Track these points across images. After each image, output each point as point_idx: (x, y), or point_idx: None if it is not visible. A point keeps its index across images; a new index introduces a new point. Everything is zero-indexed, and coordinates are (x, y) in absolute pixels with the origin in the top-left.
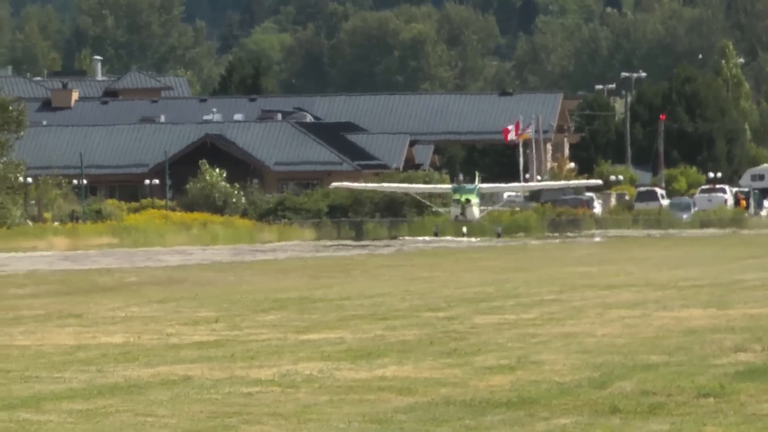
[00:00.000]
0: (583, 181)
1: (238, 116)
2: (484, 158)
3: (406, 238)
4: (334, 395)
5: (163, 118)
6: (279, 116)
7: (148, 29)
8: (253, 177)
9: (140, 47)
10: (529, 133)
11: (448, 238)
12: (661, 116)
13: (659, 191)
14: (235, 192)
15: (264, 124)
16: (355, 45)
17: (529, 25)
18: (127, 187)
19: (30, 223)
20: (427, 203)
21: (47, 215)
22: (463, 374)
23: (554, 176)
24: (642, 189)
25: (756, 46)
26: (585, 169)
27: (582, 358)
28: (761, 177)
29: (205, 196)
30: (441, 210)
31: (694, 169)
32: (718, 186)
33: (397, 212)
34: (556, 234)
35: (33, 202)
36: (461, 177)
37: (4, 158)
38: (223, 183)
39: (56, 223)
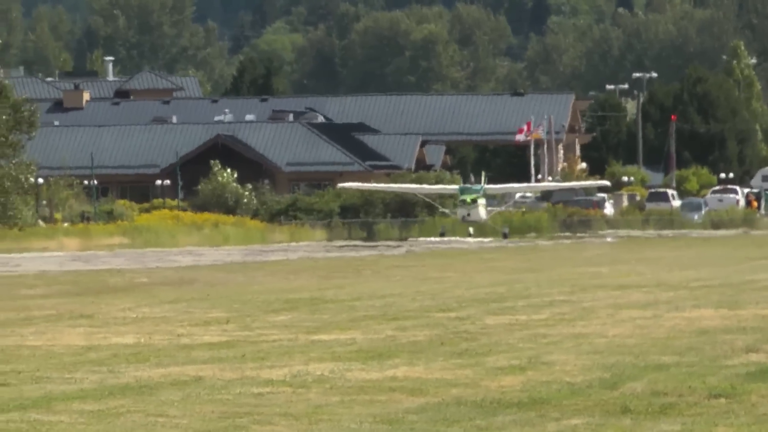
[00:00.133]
0: (589, 182)
1: (249, 117)
2: (496, 159)
3: (419, 239)
4: (345, 396)
5: (174, 119)
6: (290, 117)
7: (160, 30)
8: (264, 177)
9: (151, 48)
10: (540, 133)
11: (454, 238)
12: (672, 117)
13: (671, 192)
14: (247, 193)
15: (275, 124)
16: (366, 45)
17: (540, 25)
18: (138, 188)
19: (41, 223)
20: (434, 204)
21: (58, 216)
22: (474, 375)
23: (565, 177)
24: (653, 190)
25: None
26: (596, 169)
27: (593, 359)
28: None
29: (217, 197)
30: (447, 211)
31: (706, 169)
32: (729, 186)
33: (408, 213)
34: (567, 234)
35: (44, 202)
36: (472, 178)
37: (16, 159)
38: (235, 184)
39: (66, 224)
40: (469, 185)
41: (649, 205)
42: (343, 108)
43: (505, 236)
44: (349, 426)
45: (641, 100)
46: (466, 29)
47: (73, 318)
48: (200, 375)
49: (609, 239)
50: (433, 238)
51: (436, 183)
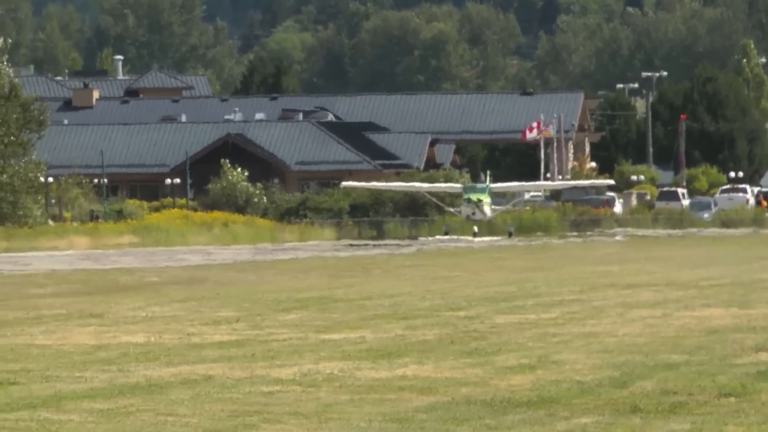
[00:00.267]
0: (594, 181)
1: (259, 116)
2: (505, 158)
3: (428, 238)
4: (354, 394)
5: (184, 118)
6: (300, 116)
7: (170, 29)
8: (274, 176)
9: (161, 47)
10: (550, 131)
11: (456, 237)
12: (682, 116)
13: (680, 191)
14: (257, 192)
15: (285, 123)
16: (376, 44)
17: (550, 24)
18: (148, 187)
19: (51, 222)
20: (438, 203)
21: (67, 214)
22: (484, 374)
23: (575, 176)
24: (663, 189)
25: None
26: (606, 168)
27: (603, 358)
28: None
29: (227, 196)
30: (452, 209)
31: (715, 168)
32: (739, 186)
33: (418, 212)
34: (576, 233)
35: (54, 201)
36: (482, 177)
37: (26, 158)
38: (245, 183)
39: (76, 223)
40: (473, 184)
41: (659, 204)
42: (353, 107)
43: (510, 235)
44: (359, 425)
45: (651, 99)
46: (475, 28)
47: (82, 317)
48: (210, 374)
49: (618, 238)
50: (438, 237)
51: (446, 182)
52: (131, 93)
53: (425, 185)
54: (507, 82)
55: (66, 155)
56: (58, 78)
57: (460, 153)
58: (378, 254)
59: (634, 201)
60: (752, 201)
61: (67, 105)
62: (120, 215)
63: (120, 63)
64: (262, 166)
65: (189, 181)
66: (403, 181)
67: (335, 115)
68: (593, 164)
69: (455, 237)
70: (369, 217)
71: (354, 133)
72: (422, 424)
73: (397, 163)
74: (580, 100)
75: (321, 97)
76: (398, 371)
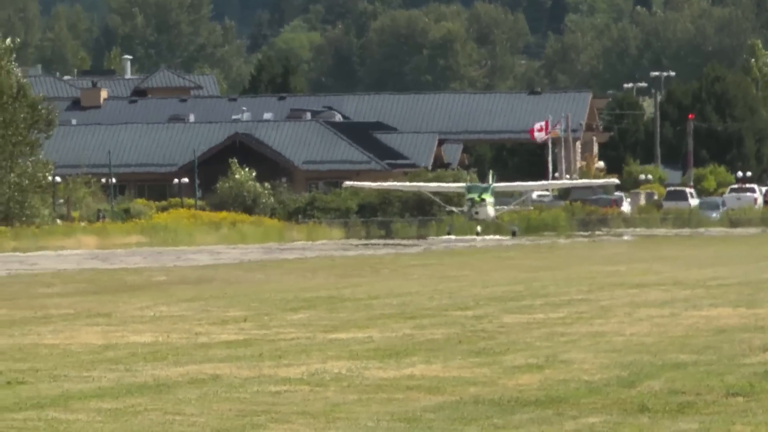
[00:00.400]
0: (598, 180)
1: (267, 115)
2: (513, 157)
3: (436, 237)
4: (362, 394)
5: (192, 117)
6: (308, 115)
7: (178, 28)
8: (281, 176)
9: (169, 46)
10: (558, 131)
11: (460, 237)
12: (690, 115)
13: (689, 190)
14: (265, 191)
15: (293, 123)
16: (384, 44)
17: (558, 24)
18: (155, 187)
19: (59, 222)
20: (440, 202)
21: (75, 214)
22: (492, 373)
23: (583, 175)
24: (671, 188)
25: None
26: (614, 168)
27: (611, 357)
28: None
29: (235, 196)
30: (455, 209)
31: (723, 168)
32: (747, 185)
33: (426, 211)
34: (584, 233)
35: (61, 201)
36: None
37: (33, 157)
38: (252, 182)
39: (83, 223)
40: (476, 183)
41: (667, 204)
42: (361, 106)
43: (514, 234)
44: (367, 424)
45: (659, 98)
46: (483, 28)
47: (90, 316)
48: (218, 373)
49: (626, 238)
50: (443, 237)
51: (454, 182)
52: (139, 92)
53: (427, 184)
54: (515, 81)
55: (74, 155)
56: (66, 77)
57: (468, 152)
58: (385, 253)
59: (642, 200)
60: (760, 200)
61: (75, 104)
62: (127, 215)
63: (128, 62)
64: (270, 166)
65: (197, 180)
66: (411, 180)
67: (343, 115)
68: (601, 164)
69: (458, 237)
70: (377, 216)
71: (362, 133)
72: (430, 423)
73: (405, 163)
74: (588, 99)
75: (329, 96)
76: (406, 371)
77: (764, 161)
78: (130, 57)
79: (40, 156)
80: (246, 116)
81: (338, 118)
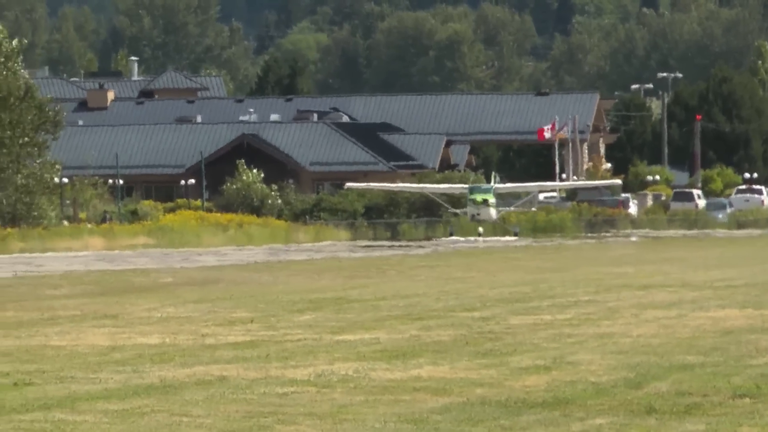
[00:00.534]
0: (601, 182)
1: (274, 117)
2: (520, 159)
3: (441, 239)
4: (369, 395)
5: (199, 119)
6: (315, 116)
7: (185, 29)
8: (288, 177)
9: (176, 48)
10: (565, 133)
11: (462, 238)
12: (697, 116)
13: (696, 192)
14: (272, 192)
15: (300, 124)
16: (391, 45)
17: (565, 25)
18: (163, 188)
19: (66, 223)
20: (442, 203)
21: (82, 215)
22: (499, 375)
23: (590, 176)
24: (678, 189)
25: None
26: (621, 169)
27: (618, 359)
28: None
29: (242, 197)
30: (458, 211)
31: (730, 169)
32: (754, 186)
33: (433, 213)
34: (591, 234)
35: (69, 202)
36: (498, 178)
37: (40, 158)
38: (259, 183)
39: (90, 225)
40: (478, 184)
41: (674, 205)
42: (368, 108)
43: (515, 235)
44: (374, 426)
45: (666, 99)
46: (490, 29)
47: (97, 318)
48: (224, 375)
49: (634, 239)
50: (446, 238)
51: (461, 183)
52: (146, 94)
53: (428, 186)
54: (522, 82)
55: (81, 156)
56: (74, 79)
57: (475, 154)
58: (392, 255)
59: (649, 202)
60: (767, 202)
61: (82, 106)
62: (135, 216)
63: (135, 64)
64: (277, 167)
65: (204, 182)
66: (418, 182)
67: (350, 116)
68: (608, 165)
69: (458, 239)
70: (384, 218)
71: (369, 134)
72: (437, 425)
73: (412, 164)
74: (595, 100)
75: (336, 97)
76: (413, 372)
77: None
78: (137, 58)
79: (47, 157)
80: (253, 117)
81: (345, 119)
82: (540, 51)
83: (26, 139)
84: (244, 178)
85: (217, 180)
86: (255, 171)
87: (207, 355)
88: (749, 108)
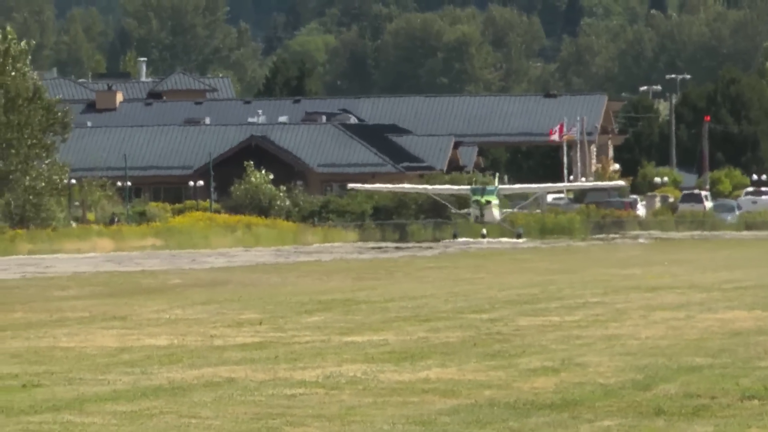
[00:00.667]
0: (605, 183)
1: (282, 118)
2: (528, 160)
3: (448, 240)
4: (377, 397)
5: (207, 120)
6: (323, 118)
7: (193, 31)
8: (297, 179)
9: (184, 49)
10: (573, 134)
11: (465, 239)
12: (705, 118)
13: (704, 193)
14: (280, 194)
15: (308, 125)
16: (399, 47)
17: (573, 27)
18: (171, 189)
19: (74, 224)
20: (446, 204)
21: (91, 216)
22: (507, 376)
23: (598, 178)
24: (687, 191)
25: None
26: (629, 170)
27: (626, 360)
28: None
29: (250, 198)
30: (461, 212)
31: (739, 171)
32: (762, 188)
33: (441, 214)
34: (599, 236)
35: (77, 203)
36: (506, 179)
37: (49, 160)
38: (268, 185)
39: (98, 226)
40: (482, 186)
41: (683, 207)
42: (376, 109)
43: (519, 236)
44: (382, 427)
45: (674, 101)
46: (499, 31)
47: (106, 319)
48: (233, 376)
49: (642, 240)
50: (450, 240)
51: (469, 184)
52: (154, 95)
53: (432, 187)
54: (530, 84)
55: (89, 157)
56: (82, 80)
57: (484, 155)
58: (400, 256)
59: (657, 203)
60: None
61: (91, 107)
62: (143, 217)
63: (143, 65)
64: (285, 169)
65: (212, 183)
66: (426, 183)
67: (358, 118)
68: (616, 166)
69: (463, 239)
70: (392, 219)
71: (377, 136)
72: (445, 426)
73: (421, 166)
74: (603, 102)
75: (344, 99)
76: (421, 374)
77: None
78: (145, 60)
79: (56, 159)
80: (261, 119)
81: (353, 120)
82: (548, 53)
83: (35, 140)
84: (253, 179)
85: (225, 181)
86: (263, 172)
87: (215, 357)
88: (757, 109)
